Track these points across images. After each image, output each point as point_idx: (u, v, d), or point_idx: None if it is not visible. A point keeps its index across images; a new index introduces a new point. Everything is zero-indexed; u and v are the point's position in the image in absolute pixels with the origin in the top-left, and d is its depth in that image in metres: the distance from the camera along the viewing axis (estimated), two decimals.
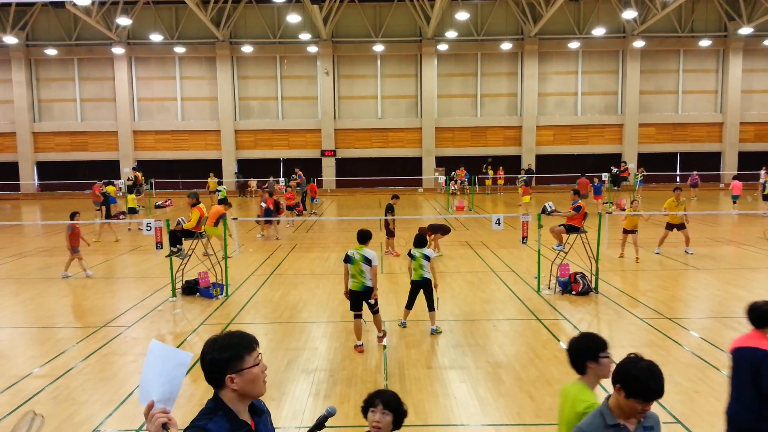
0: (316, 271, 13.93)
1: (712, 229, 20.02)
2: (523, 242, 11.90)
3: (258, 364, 2.53)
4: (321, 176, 37.26)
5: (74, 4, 30.09)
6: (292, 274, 13.62)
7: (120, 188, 29.86)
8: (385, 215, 15.75)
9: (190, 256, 12.16)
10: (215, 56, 37.28)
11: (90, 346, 8.73)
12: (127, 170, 37.14)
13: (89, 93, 38.14)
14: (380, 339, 8.74)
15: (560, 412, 3.70)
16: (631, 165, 36.20)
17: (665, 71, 37.85)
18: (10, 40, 34.43)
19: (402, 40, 37.49)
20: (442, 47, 37.19)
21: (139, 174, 33.97)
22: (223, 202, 23.11)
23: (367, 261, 8.24)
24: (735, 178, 24.34)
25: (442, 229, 15.57)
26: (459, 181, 34.74)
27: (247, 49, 36.70)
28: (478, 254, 15.74)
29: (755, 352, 4.12)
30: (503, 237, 18.05)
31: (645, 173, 32.20)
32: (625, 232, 14.67)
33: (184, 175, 37.50)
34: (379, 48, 36.85)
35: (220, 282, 11.87)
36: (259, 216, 19.61)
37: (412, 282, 9.13)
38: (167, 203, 30.58)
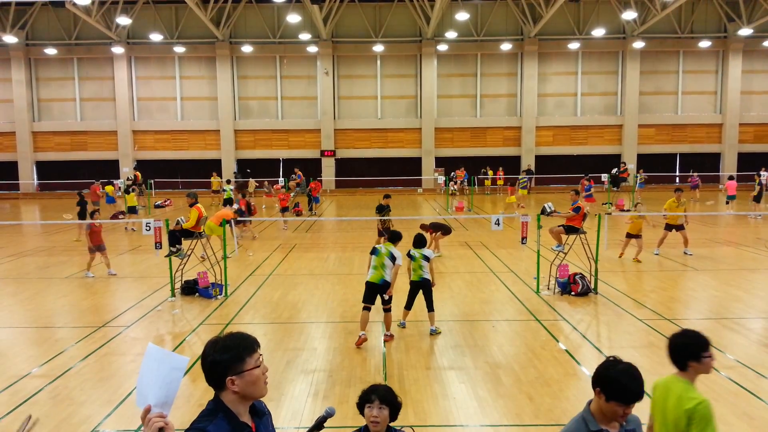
0: (315, 272, 13.92)
1: (711, 230, 20.03)
2: (522, 243, 11.90)
3: (259, 366, 2.52)
4: (321, 176, 37.24)
5: (74, 4, 30.07)
6: (291, 275, 13.62)
7: (119, 188, 29.81)
8: (380, 216, 15.71)
9: (189, 255, 12.16)
10: (215, 56, 37.27)
11: (89, 346, 8.73)
12: (126, 170, 37.15)
13: (89, 92, 38.12)
14: (387, 339, 8.78)
15: (659, 407, 3.59)
16: (631, 166, 36.20)
17: (665, 72, 37.87)
18: (10, 39, 34.42)
19: (402, 40, 37.50)
20: (442, 47, 37.19)
21: (138, 173, 34.00)
22: (228, 202, 23.20)
23: (392, 258, 8.59)
24: (730, 178, 24.31)
25: (443, 228, 15.52)
26: (458, 182, 34.72)
27: (246, 48, 36.69)
28: (477, 255, 15.74)
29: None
30: (502, 237, 18.06)
31: (645, 174, 32.17)
32: (629, 236, 14.49)
33: (184, 174, 37.50)
34: (378, 48, 36.86)
35: (220, 282, 11.87)
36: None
37: (412, 282, 9.13)
38: (166, 203, 30.55)
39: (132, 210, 22.40)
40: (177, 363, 2.25)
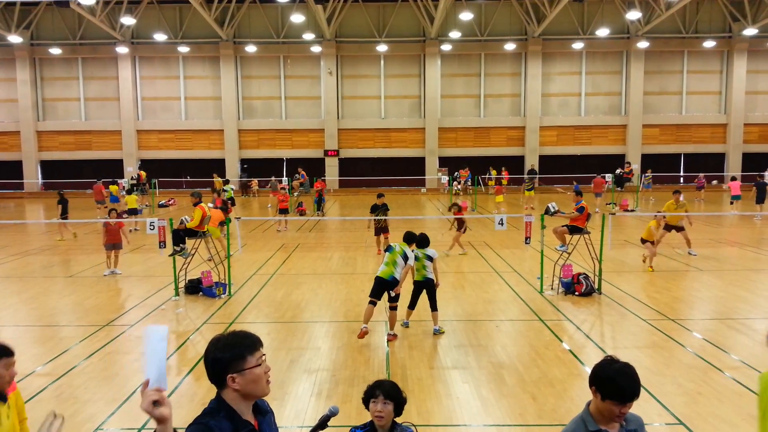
0: (319, 271, 13.93)
1: (715, 230, 19.97)
2: (526, 243, 11.88)
3: (260, 365, 2.52)
4: (324, 176, 37.25)
5: (79, 4, 30.15)
6: (294, 274, 13.63)
7: (123, 187, 29.89)
8: (377, 215, 15.71)
9: (193, 255, 12.17)
10: (219, 56, 37.33)
11: (93, 345, 8.75)
12: (130, 169, 37.24)
13: (93, 92, 38.23)
14: (391, 338, 8.79)
15: (765, 400, 3.58)
16: (635, 166, 36.14)
17: (669, 72, 37.78)
18: (15, 39, 34.52)
19: (405, 40, 37.49)
20: (446, 47, 37.18)
21: (143, 173, 34.09)
22: (229, 201, 23.20)
23: (405, 257, 8.67)
24: (733, 178, 24.21)
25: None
26: (462, 181, 34.72)
27: (250, 48, 36.73)
28: (480, 254, 15.73)
29: None
30: (506, 237, 18.03)
31: (651, 175, 32.11)
32: (643, 242, 14.04)
33: (188, 174, 37.57)
34: (382, 48, 36.86)
35: (223, 281, 11.89)
36: None
37: (415, 282, 9.14)
38: (170, 202, 30.63)
39: (133, 212, 22.20)
40: (160, 334, 2.27)
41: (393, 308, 8.75)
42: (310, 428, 3.11)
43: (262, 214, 26.77)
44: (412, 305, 9.29)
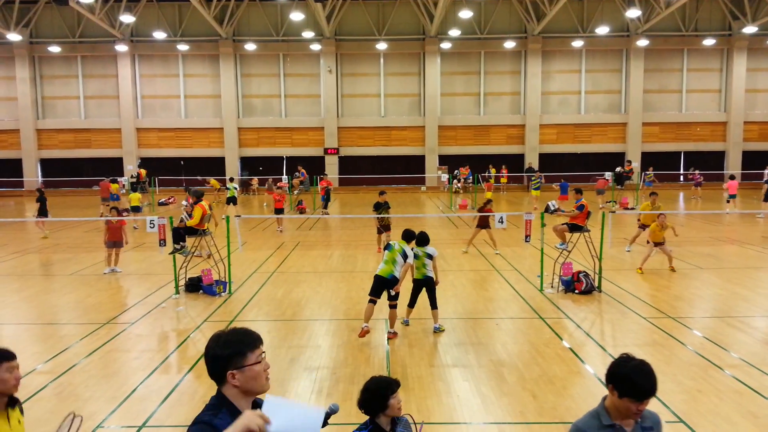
0: (319, 269, 13.94)
1: (715, 228, 19.98)
2: (526, 241, 11.89)
3: (260, 362, 2.54)
4: (324, 174, 37.24)
5: (78, 2, 30.11)
6: (294, 272, 13.63)
7: (123, 185, 29.89)
8: (378, 213, 15.71)
9: (194, 253, 12.18)
10: (218, 54, 37.30)
11: (93, 343, 8.76)
12: (130, 167, 37.23)
13: (93, 90, 38.21)
14: (391, 336, 8.79)
15: None
16: (635, 164, 36.14)
17: (669, 70, 37.77)
18: (14, 37, 34.48)
19: (405, 38, 37.47)
20: (446, 45, 37.16)
21: (143, 171, 34.09)
22: (232, 200, 23.18)
23: (404, 255, 8.65)
24: (731, 177, 24.20)
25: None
26: (462, 179, 34.71)
27: (250, 46, 36.71)
28: (481, 252, 15.73)
29: None
30: (506, 235, 18.04)
31: (652, 173, 32.06)
32: (656, 244, 13.42)
33: (188, 172, 37.57)
34: (382, 46, 36.83)
35: (224, 279, 11.90)
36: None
37: (415, 281, 9.13)
38: (170, 200, 30.63)
39: (136, 209, 22.39)
40: (312, 421, 2.28)
41: (393, 306, 8.75)
42: None
43: (262, 212, 26.76)
44: (412, 303, 9.30)
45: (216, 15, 34.57)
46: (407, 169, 38.32)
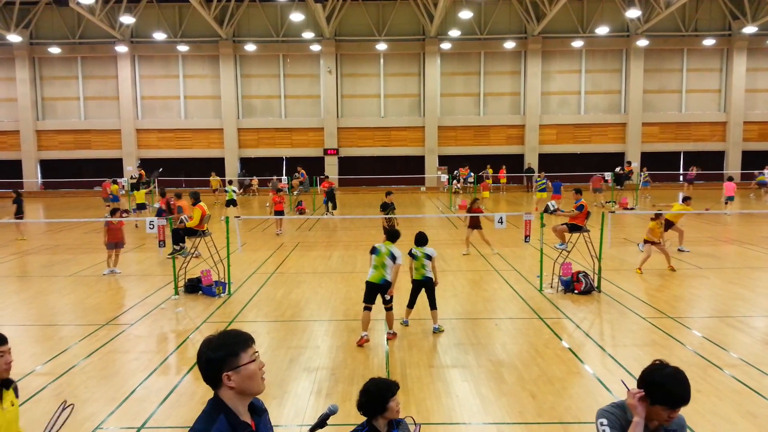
0: (319, 270, 13.94)
1: (714, 228, 19.98)
2: (525, 241, 11.89)
3: (254, 361, 2.53)
4: (324, 174, 37.24)
5: (78, 3, 30.12)
6: (294, 273, 13.63)
7: (123, 186, 29.91)
8: (385, 214, 15.70)
9: (193, 254, 12.18)
10: (218, 54, 37.31)
11: (92, 344, 8.76)
12: (130, 168, 37.24)
13: (92, 91, 38.21)
14: (391, 337, 8.76)
15: None
16: (635, 164, 36.14)
17: (669, 70, 37.77)
18: (14, 38, 34.50)
19: (405, 38, 37.47)
20: (445, 46, 37.16)
21: (143, 172, 34.12)
22: (231, 202, 23.15)
23: (393, 257, 8.50)
24: (729, 179, 24.19)
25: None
26: (462, 180, 34.71)
27: (250, 47, 36.72)
28: (480, 253, 15.73)
29: None
30: (506, 236, 18.04)
31: (648, 173, 32.07)
32: (652, 243, 13.32)
33: (188, 173, 37.58)
34: (382, 46, 36.84)
35: (223, 280, 11.90)
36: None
37: (414, 281, 9.12)
38: (171, 201, 30.60)
39: (141, 207, 22.46)
40: None
41: (389, 309, 8.69)
42: (310, 427, 3.12)
43: (262, 213, 26.75)
44: (411, 304, 9.29)
45: (216, 16, 34.58)
46: (407, 170, 38.32)
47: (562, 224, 12.53)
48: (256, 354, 2.57)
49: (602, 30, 34.84)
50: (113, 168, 37.08)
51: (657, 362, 3.00)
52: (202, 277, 11.72)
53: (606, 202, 26.65)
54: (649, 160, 37.02)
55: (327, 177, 32.05)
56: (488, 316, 10.07)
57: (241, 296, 11.55)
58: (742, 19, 35.54)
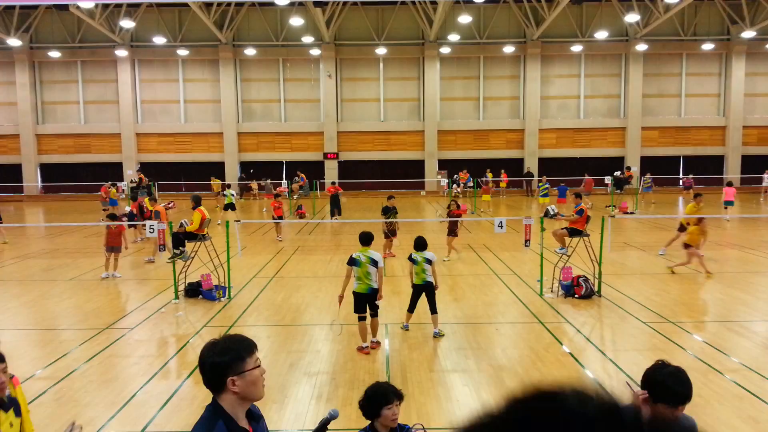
0: (319, 274, 13.93)
1: (714, 233, 19.97)
2: (525, 245, 11.89)
3: (258, 367, 2.55)
4: (324, 179, 37.28)
5: (78, 7, 30.19)
6: (294, 277, 13.62)
7: (122, 190, 29.88)
8: (386, 217, 15.68)
9: (193, 258, 12.17)
10: (218, 59, 37.36)
11: (93, 348, 8.74)
12: (130, 172, 37.23)
13: (92, 95, 38.24)
14: (374, 346, 8.59)
15: None
16: (634, 168, 36.17)
17: (668, 74, 37.84)
18: (14, 42, 34.52)
19: (404, 43, 37.54)
20: (445, 50, 37.23)
21: (143, 176, 34.07)
22: (230, 207, 23.11)
23: (374, 263, 8.28)
24: (729, 184, 24.18)
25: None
26: (462, 184, 34.69)
27: (250, 51, 36.78)
28: (480, 257, 15.73)
29: None
30: (506, 240, 18.04)
31: (650, 177, 32.01)
32: (688, 246, 13.26)
33: (188, 177, 37.58)
34: (381, 51, 36.90)
35: (223, 284, 11.88)
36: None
37: (414, 286, 9.10)
38: (170, 205, 30.58)
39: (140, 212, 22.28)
40: None
41: (374, 315, 8.55)
42: (311, 431, 3.11)
43: (261, 216, 26.74)
44: (411, 308, 9.28)
45: (216, 20, 34.64)
46: (407, 174, 38.34)
47: (562, 228, 12.52)
48: (259, 360, 2.58)
49: (601, 34, 34.91)
50: (113, 172, 37.08)
51: (659, 362, 3.03)
52: (202, 281, 11.71)
53: (606, 206, 26.64)
54: (648, 164, 37.04)
55: (333, 183, 31.94)
56: (489, 320, 10.07)
57: (242, 300, 11.54)
58: (741, 24, 35.61)
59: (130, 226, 17.31)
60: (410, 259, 9.09)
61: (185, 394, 7.03)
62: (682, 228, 15.01)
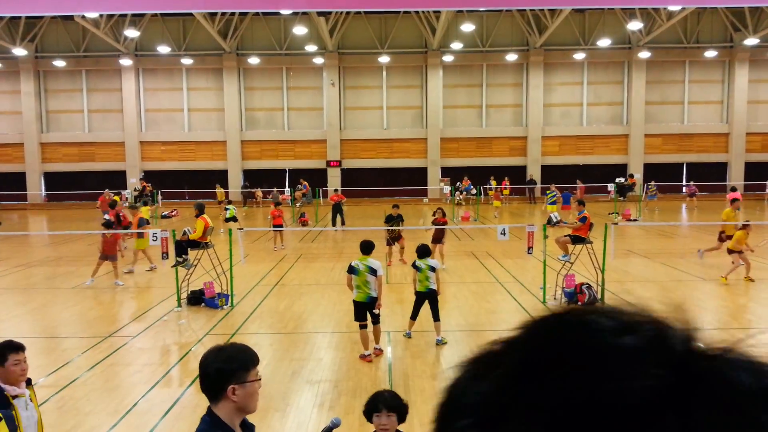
0: (321, 281, 13.92)
1: (714, 239, 19.85)
2: (528, 253, 11.87)
3: (259, 380, 2.57)
4: (326, 186, 37.31)
5: (83, 16, 30.40)
6: (296, 285, 13.62)
7: (126, 199, 29.96)
8: (390, 226, 15.67)
9: (196, 266, 12.18)
10: (222, 68, 37.53)
11: (95, 356, 8.74)
12: (133, 180, 37.34)
13: (97, 104, 38.43)
14: (377, 353, 8.57)
15: None
16: (637, 176, 36.12)
17: (671, 82, 37.85)
18: (20, 51, 34.77)
19: (407, 51, 37.66)
20: (448, 58, 37.32)
21: (146, 184, 34.18)
22: (231, 220, 23.06)
23: (373, 271, 8.26)
24: (733, 189, 24.07)
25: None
26: (464, 191, 34.70)
27: (253, 60, 36.94)
28: (483, 265, 15.70)
29: None
30: (509, 247, 17.99)
31: (655, 185, 31.89)
32: (730, 252, 13.47)
33: (191, 185, 37.64)
34: (384, 59, 37.03)
35: (226, 292, 11.88)
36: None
37: (418, 293, 9.07)
38: (173, 213, 30.68)
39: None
40: None
41: (375, 323, 8.53)
42: None
43: (265, 225, 26.77)
44: (414, 316, 9.25)
45: (220, 29, 34.83)
46: (410, 181, 38.32)
47: (566, 236, 12.51)
48: (259, 374, 2.60)
49: (604, 42, 34.95)
50: (117, 180, 37.18)
51: None
52: (204, 289, 11.71)
53: (609, 214, 26.60)
54: (651, 171, 36.98)
55: (336, 190, 31.91)
56: (491, 328, 10.04)
57: (244, 308, 11.54)
58: (744, 31, 35.63)
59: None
60: (414, 266, 9.09)
61: (187, 402, 7.02)
62: (721, 238, 14.79)
